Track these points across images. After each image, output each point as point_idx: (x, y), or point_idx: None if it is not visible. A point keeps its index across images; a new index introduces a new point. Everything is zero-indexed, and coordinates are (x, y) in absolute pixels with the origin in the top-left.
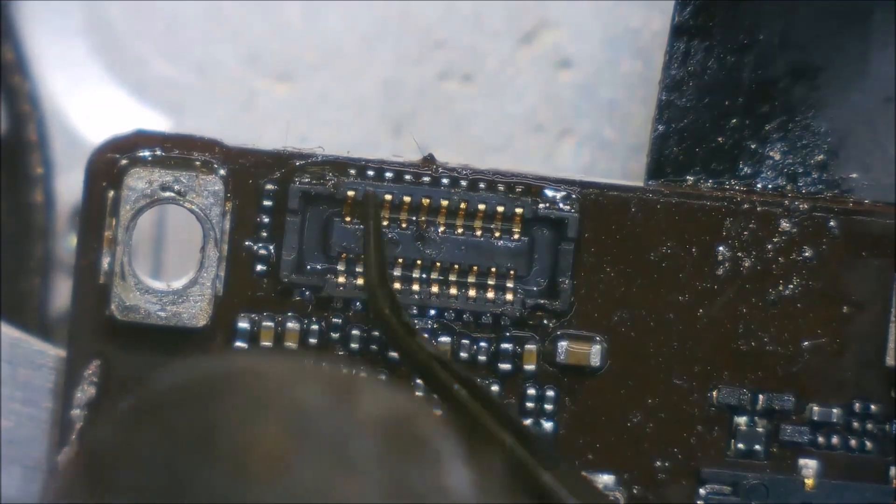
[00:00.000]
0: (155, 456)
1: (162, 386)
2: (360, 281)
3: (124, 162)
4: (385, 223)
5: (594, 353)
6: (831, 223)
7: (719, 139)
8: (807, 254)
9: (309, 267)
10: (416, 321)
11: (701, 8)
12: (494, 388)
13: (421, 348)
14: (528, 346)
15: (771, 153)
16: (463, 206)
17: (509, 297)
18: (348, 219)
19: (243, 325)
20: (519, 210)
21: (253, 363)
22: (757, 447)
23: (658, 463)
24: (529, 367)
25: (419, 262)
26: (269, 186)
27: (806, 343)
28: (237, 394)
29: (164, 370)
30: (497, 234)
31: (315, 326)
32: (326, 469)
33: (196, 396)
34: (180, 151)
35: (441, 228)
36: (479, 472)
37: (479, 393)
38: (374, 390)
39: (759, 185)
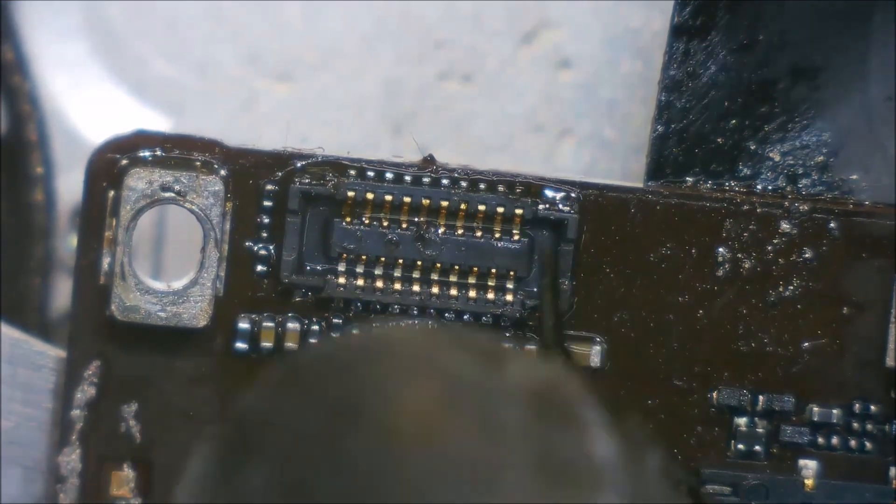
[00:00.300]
0: (305, 422)
1: (310, 355)
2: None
3: (125, 162)
4: (385, 224)
5: (594, 354)
6: (831, 224)
7: (719, 140)
8: (807, 255)
9: (309, 268)
10: (417, 322)
11: (701, 8)
12: None
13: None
14: (528, 347)
15: (771, 154)
16: (463, 207)
17: (509, 297)
18: (348, 219)
19: (244, 325)
20: (519, 211)
21: (402, 332)
22: (757, 448)
23: None
24: None
25: (419, 262)
26: (270, 187)
27: (806, 344)
28: (386, 361)
29: (313, 343)
30: (497, 235)
31: (315, 327)
32: (476, 436)
33: (345, 364)
34: (180, 152)
35: (441, 229)
36: (622, 440)
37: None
38: (520, 359)
39: (758, 187)
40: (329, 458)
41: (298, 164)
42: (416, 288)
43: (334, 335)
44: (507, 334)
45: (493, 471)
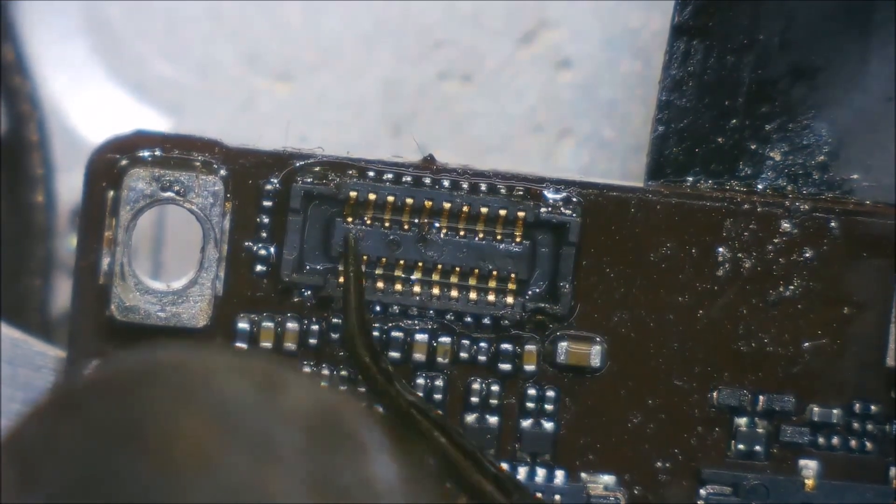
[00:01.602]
0: (77, 449)
1: (84, 379)
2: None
3: (124, 162)
4: (387, 225)
5: (594, 354)
6: (832, 224)
7: (719, 139)
8: (807, 255)
9: (309, 267)
10: (417, 322)
11: (701, 8)
12: (495, 388)
13: (400, 395)
14: (528, 347)
15: (771, 154)
16: (465, 209)
17: (510, 300)
18: (350, 219)
19: (243, 325)
20: (521, 214)
21: (176, 356)
22: (757, 448)
23: (658, 464)
24: (530, 367)
25: (421, 263)
26: (269, 187)
27: (806, 344)
28: (160, 386)
29: (84, 365)
30: (499, 238)
31: (315, 327)
32: (251, 462)
33: (118, 389)
34: (180, 152)
35: (443, 231)
36: (407, 464)
37: (457, 440)
38: (300, 383)
39: (759, 186)
40: (103, 487)
41: (298, 164)
42: (416, 289)
43: (110, 356)
44: (508, 334)
45: (268, 496)
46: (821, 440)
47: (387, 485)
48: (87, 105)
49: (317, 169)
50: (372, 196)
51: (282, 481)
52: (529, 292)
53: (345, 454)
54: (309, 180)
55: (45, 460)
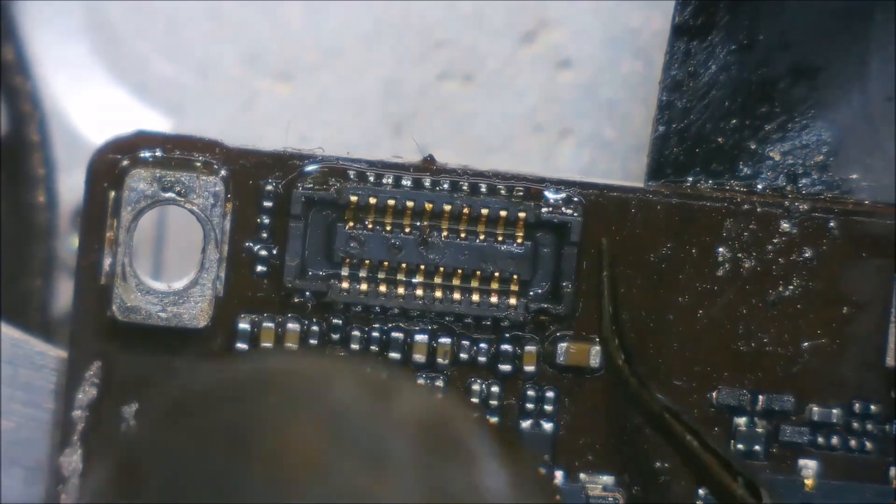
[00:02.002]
0: (189, 456)
1: (196, 386)
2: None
3: (125, 163)
4: (388, 228)
5: (594, 354)
6: (831, 224)
7: (719, 139)
8: (807, 254)
9: (312, 273)
10: (417, 323)
11: (701, 8)
12: (494, 389)
13: (653, 399)
14: (528, 348)
15: (771, 154)
16: (466, 210)
17: (513, 301)
18: (351, 224)
19: (244, 325)
20: (522, 215)
21: (288, 363)
22: (757, 448)
23: (658, 464)
24: (529, 368)
25: (422, 266)
26: (270, 187)
27: (806, 344)
28: (272, 394)
29: (196, 371)
30: (500, 239)
31: (315, 328)
32: (362, 470)
33: (230, 397)
34: (181, 152)
35: (444, 233)
36: (515, 473)
37: (709, 443)
38: (410, 392)
39: (759, 186)
40: (216, 492)
41: (301, 169)
42: (419, 292)
43: (221, 363)
44: (508, 335)
45: (380, 498)
46: (820, 440)
47: (496, 492)
48: (87, 105)
49: (318, 174)
50: (372, 200)
51: (394, 489)
52: (532, 293)
53: (455, 462)
54: (310, 186)
55: (154, 465)
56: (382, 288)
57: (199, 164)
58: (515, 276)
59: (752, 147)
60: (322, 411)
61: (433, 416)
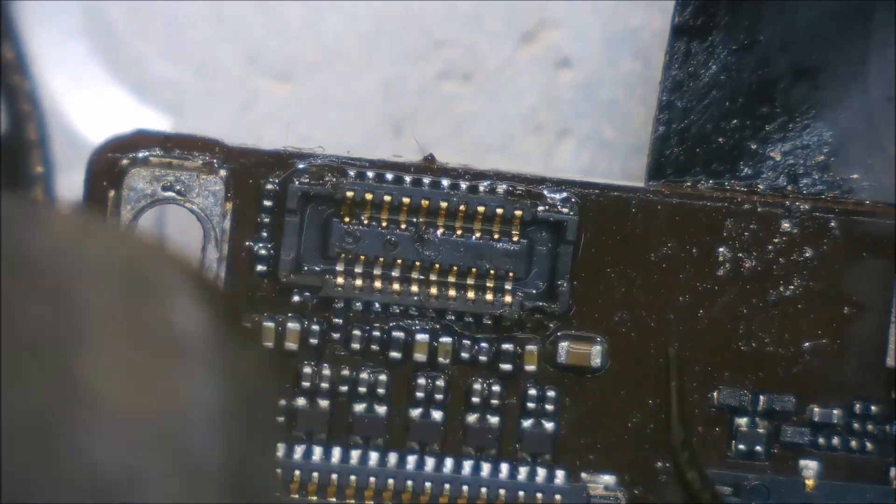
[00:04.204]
0: None
1: None
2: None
3: (125, 162)
4: (384, 224)
5: (595, 354)
6: (832, 224)
7: (720, 140)
8: (807, 254)
9: (307, 267)
10: (417, 322)
11: (701, 8)
12: (496, 388)
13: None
14: (528, 347)
15: (771, 154)
16: (462, 208)
17: (508, 299)
18: (347, 219)
19: (244, 325)
20: (518, 212)
21: None
22: (758, 448)
23: (659, 464)
24: (530, 367)
25: (418, 263)
26: (270, 186)
27: (806, 344)
28: None
29: None
30: (496, 237)
31: (316, 327)
32: (51, 312)
33: None
34: (181, 151)
35: (440, 230)
36: (208, 311)
37: None
38: (104, 233)
39: (759, 186)
40: None
41: (299, 165)
42: (414, 289)
43: None
44: (508, 335)
45: (69, 341)
46: (821, 440)
47: (189, 328)
48: (87, 105)
49: (315, 169)
50: (369, 196)
51: (81, 329)
52: (527, 291)
53: (146, 301)
54: (306, 181)
55: None
56: (378, 284)
57: (199, 163)
58: (511, 274)
59: (753, 147)
60: (7, 253)
61: (126, 257)
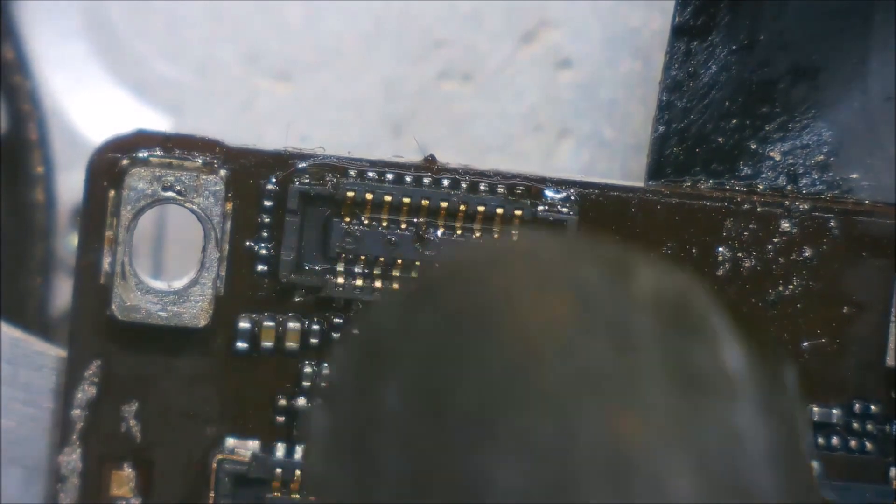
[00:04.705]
0: (433, 334)
1: (439, 270)
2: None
3: (125, 162)
4: (384, 224)
5: None
6: (831, 223)
7: (719, 140)
8: (807, 254)
9: (307, 267)
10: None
11: (701, 8)
12: None
13: None
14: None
15: (771, 153)
16: (462, 208)
17: None
18: (347, 219)
19: (244, 324)
20: (518, 212)
21: (528, 244)
22: None
23: None
24: None
25: (418, 263)
26: (270, 186)
27: (806, 343)
28: (516, 272)
29: (442, 255)
30: (496, 237)
31: (316, 327)
32: (607, 346)
33: (475, 277)
34: (181, 151)
35: (440, 230)
36: (753, 353)
37: None
38: (649, 268)
39: (759, 186)
40: (464, 369)
41: (299, 165)
42: None
43: (463, 249)
44: None
45: (627, 380)
46: (820, 440)
47: (737, 369)
48: (87, 104)
49: (315, 169)
50: (369, 196)
51: (639, 365)
52: None
53: (697, 338)
54: (306, 181)
55: (401, 347)
56: (378, 283)
57: (199, 163)
58: None
59: (753, 147)
60: (566, 287)
61: (672, 293)
